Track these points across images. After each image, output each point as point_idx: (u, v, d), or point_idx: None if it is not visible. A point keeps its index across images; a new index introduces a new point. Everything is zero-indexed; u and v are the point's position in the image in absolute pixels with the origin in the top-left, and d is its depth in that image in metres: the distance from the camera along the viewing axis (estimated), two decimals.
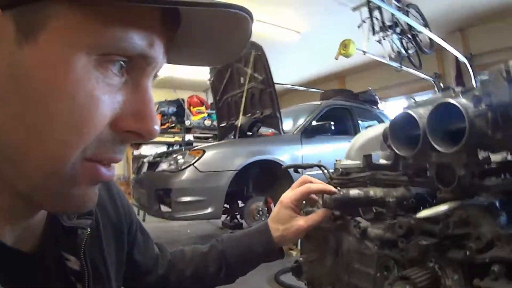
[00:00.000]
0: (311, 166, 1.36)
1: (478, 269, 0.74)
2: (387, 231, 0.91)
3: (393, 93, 9.48)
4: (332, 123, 5.16)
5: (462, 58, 7.42)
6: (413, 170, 1.03)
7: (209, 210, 4.16)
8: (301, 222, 1.02)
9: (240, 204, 5.04)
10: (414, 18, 6.53)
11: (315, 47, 8.10)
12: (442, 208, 0.82)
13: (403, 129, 0.92)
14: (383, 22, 6.18)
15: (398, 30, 6.39)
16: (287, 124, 5.49)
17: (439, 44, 6.84)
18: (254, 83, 5.21)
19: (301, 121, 5.56)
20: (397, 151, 0.91)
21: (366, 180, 1.14)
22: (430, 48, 7.04)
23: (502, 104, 0.73)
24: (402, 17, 6.11)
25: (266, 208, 4.73)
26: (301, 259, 1.17)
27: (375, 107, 7.07)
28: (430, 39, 6.82)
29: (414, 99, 0.98)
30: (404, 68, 6.89)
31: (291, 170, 4.48)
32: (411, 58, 6.92)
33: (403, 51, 6.68)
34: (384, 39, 6.31)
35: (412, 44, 6.77)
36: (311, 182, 1.06)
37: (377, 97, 7.36)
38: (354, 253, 1.03)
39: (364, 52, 6.37)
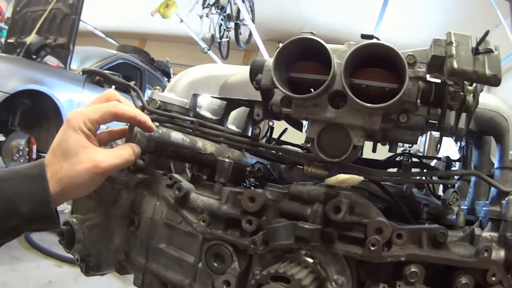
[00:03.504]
0: (123, 83, 1.02)
1: (366, 269, 0.57)
2: (225, 202, 0.61)
3: None
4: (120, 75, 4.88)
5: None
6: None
7: None
8: (100, 156, 0.63)
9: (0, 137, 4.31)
10: (246, 10, 6.61)
11: None
12: (358, 177, 0.62)
13: (296, 61, 0.68)
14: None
15: (225, 14, 6.38)
16: (74, 63, 4.93)
17: (254, 45, 7.08)
18: (61, 4, 4.53)
19: (90, 64, 5.12)
20: (280, 88, 0.65)
21: (190, 128, 0.85)
22: (245, 43, 7.23)
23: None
24: (239, 3, 6.11)
25: (28, 149, 4.08)
26: (74, 220, 0.80)
27: (166, 79, 6.89)
28: (250, 35, 7.01)
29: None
30: (209, 52, 6.92)
31: (64, 111, 4.06)
32: (222, 45, 7.01)
33: (218, 36, 6.70)
34: (207, 16, 6.21)
35: (228, 34, 6.87)
36: (119, 101, 0.69)
37: (171, 70, 7.18)
38: (163, 226, 0.72)
39: (181, 20, 6.16)
